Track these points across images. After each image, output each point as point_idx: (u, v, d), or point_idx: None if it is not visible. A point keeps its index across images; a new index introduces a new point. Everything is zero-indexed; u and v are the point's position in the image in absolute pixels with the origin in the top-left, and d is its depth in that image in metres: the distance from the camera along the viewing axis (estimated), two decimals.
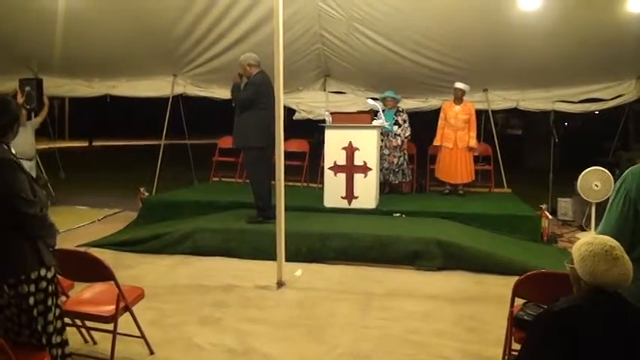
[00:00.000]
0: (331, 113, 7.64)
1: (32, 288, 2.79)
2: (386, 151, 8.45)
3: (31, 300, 2.79)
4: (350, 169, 7.32)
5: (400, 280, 5.57)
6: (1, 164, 2.73)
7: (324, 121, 7.59)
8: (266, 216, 6.65)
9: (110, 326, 3.49)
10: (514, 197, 8.49)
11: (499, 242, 6.48)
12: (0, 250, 2.73)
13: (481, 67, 8.22)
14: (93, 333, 3.94)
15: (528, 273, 3.28)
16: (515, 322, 3.25)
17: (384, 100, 8.54)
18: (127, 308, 3.58)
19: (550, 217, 7.15)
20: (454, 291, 5.28)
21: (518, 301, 3.35)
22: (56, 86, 9.92)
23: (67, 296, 3.66)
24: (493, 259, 5.80)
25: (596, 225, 6.97)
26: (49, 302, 2.88)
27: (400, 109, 8.62)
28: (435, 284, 5.46)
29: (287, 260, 5.47)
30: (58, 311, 2.96)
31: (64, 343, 3.01)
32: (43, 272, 2.84)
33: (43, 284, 2.83)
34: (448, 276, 5.72)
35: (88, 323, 3.81)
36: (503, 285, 4.82)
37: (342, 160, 7.33)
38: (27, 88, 8.61)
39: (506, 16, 7.10)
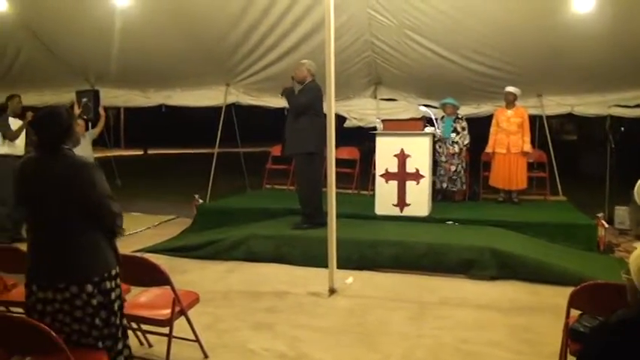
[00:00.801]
0: (382, 120, 7.63)
1: (113, 284, 2.94)
2: (443, 158, 8.40)
3: (113, 295, 2.93)
4: (402, 176, 7.29)
5: (453, 289, 5.51)
6: (89, 165, 2.88)
7: (374, 128, 7.59)
8: (317, 222, 6.71)
9: (166, 330, 3.57)
10: (569, 205, 8.29)
11: (554, 251, 6.34)
12: (87, 249, 2.85)
13: (534, 71, 8.06)
14: (149, 336, 4.04)
15: (584, 284, 3.20)
16: (571, 334, 3.16)
17: (443, 106, 8.50)
18: (183, 312, 3.65)
19: (607, 225, 6.96)
20: (508, 301, 5.19)
21: (574, 313, 3.27)
22: (113, 97, 10.27)
23: (124, 300, 3.76)
24: (548, 269, 5.67)
25: None
26: (122, 297, 3.05)
27: (459, 117, 8.53)
28: (489, 294, 5.38)
29: (338, 267, 5.48)
30: None
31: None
32: (118, 269, 2.99)
33: (119, 280, 2.99)
34: (502, 285, 5.63)
35: (144, 326, 3.91)
36: (558, 295, 4.72)
37: (393, 168, 7.31)
38: (84, 100, 8.89)
39: (559, 20, 6.92)
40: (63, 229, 2.83)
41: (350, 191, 9.44)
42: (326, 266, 5.42)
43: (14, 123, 7.59)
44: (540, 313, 4.81)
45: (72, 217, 2.82)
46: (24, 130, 7.62)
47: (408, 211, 7.29)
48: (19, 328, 2.62)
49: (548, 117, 9.28)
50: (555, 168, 8.89)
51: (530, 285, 5.57)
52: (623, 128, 18.36)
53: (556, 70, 8.01)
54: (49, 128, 2.89)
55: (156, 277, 3.60)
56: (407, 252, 6.11)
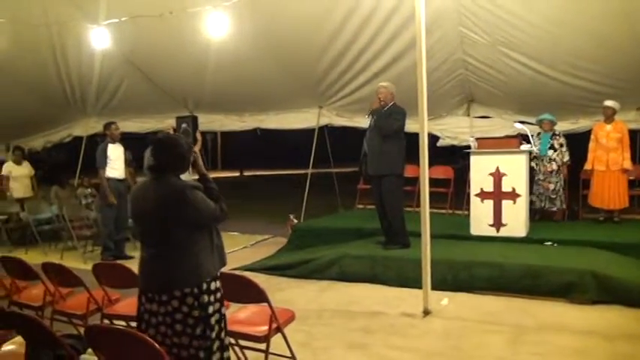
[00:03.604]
0: (476, 139, 7.53)
1: (212, 298, 3.08)
2: (541, 177, 8.17)
3: (211, 309, 3.06)
4: (498, 195, 7.13)
5: (552, 313, 5.32)
6: (187, 187, 3.04)
7: (469, 146, 7.49)
8: (404, 243, 6.80)
9: (263, 346, 3.66)
10: None
11: None
12: (187, 264, 3.01)
13: (634, 84, 7.69)
14: (246, 352, 4.14)
15: None
16: None
17: (540, 122, 8.27)
18: (279, 329, 3.74)
19: None
20: (610, 327, 4.92)
21: None
22: (210, 121, 10.76)
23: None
24: None
25: None
26: (223, 310, 3.18)
27: (557, 133, 8.26)
28: (590, 319, 5.14)
29: (433, 289, 5.43)
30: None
31: (228, 347, 3.26)
32: (218, 284, 3.13)
33: (219, 295, 3.13)
34: (604, 310, 5.35)
35: (242, 342, 4.02)
36: None
37: (489, 187, 7.17)
38: (184, 125, 9.31)
39: None
40: (164, 246, 3.02)
41: (444, 211, 9.33)
42: (420, 287, 5.39)
43: (114, 149, 8.09)
44: None
45: (172, 235, 3.00)
46: (123, 155, 8.14)
47: (504, 232, 7.12)
48: (122, 340, 2.79)
49: None
50: None
51: (635, 310, 5.25)
52: None
53: None
54: (164, 154, 3.10)
55: (254, 295, 3.72)
56: (504, 274, 5.95)
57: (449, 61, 8.26)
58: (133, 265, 3.93)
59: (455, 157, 11.24)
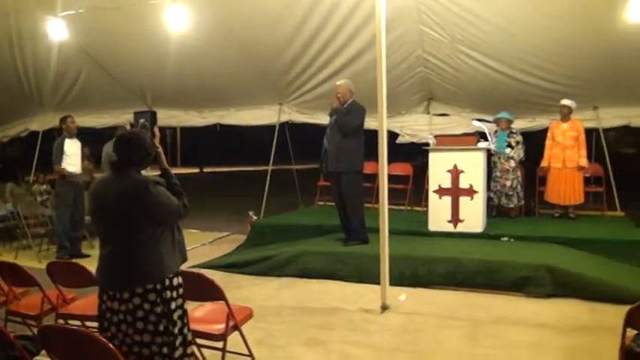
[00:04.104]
0: (435, 136, 7.60)
1: (175, 294, 3.03)
2: (498, 174, 8.30)
3: (173, 304, 3.02)
4: (455, 192, 7.22)
5: (508, 307, 5.39)
6: (147, 182, 2.99)
7: (427, 144, 7.56)
8: (363, 239, 6.84)
9: (220, 344, 3.61)
10: (628, 221, 8.00)
11: (613, 269, 6.11)
12: (148, 261, 2.95)
13: (590, 84, 7.89)
14: (203, 350, 4.09)
15: None
16: (627, 355, 3.04)
17: (497, 121, 8.40)
18: (236, 327, 3.70)
19: None
20: (565, 320, 5.02)
21: (631, 332, 3.14)
22: (169, 117, 10.60)
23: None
24: (607, 287, 5.46)
25: None
26: (185, 306, 3.13)
27: (513, 131, 8.41)
28: (545, 312, 5.23)
29: (391, 284, 5.45)
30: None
31: (190, 342, 3.22)
32: (180, 279, 3.09)
33: (181, 291, 3.08)
34: (558, 304, 5.46)
35: (199, 340, 3.97)
36: (617, 315, 4.47)
37: (447, 183, 7.25)
38: (142, 120, 9.14)
39: (615, 31, 6.66)
40: (125, 242, 2.95)
41: (403, 207, 9.40)
42: (379, 283, 5.40)
43: (71, 144, 7.87)
44: (599, 333, 4.65)
45: (134, 231, 2.94)
46: (79, 150, 7.95)
47: (462, 227, 7.21)
48: (76, 340, 2.72)
49: (606, 130, 9.03)
50: (613, 182, 8.63)
51: (589, 303, 5.38)
52: None
53: (612, 82, 7.80)
54: (127, 150, 3.05)
55: (211, 292, 3.66)
56: (461, 269, 6.02)
57: (409, 58, 8.31)
58: (89, 264, 3.85)
59: (414, 154, 11.32)
